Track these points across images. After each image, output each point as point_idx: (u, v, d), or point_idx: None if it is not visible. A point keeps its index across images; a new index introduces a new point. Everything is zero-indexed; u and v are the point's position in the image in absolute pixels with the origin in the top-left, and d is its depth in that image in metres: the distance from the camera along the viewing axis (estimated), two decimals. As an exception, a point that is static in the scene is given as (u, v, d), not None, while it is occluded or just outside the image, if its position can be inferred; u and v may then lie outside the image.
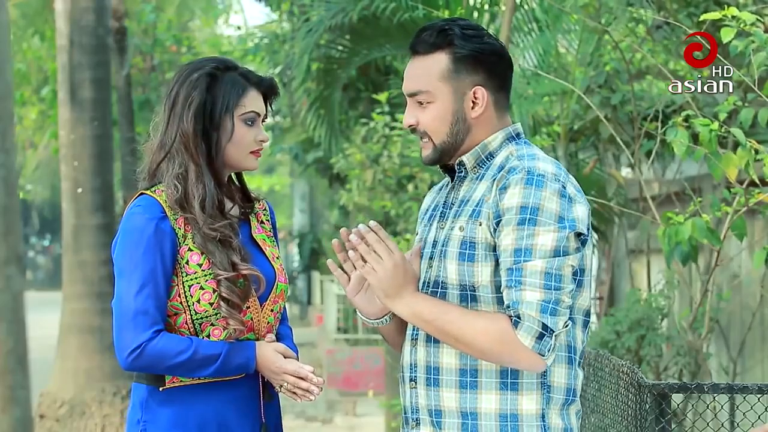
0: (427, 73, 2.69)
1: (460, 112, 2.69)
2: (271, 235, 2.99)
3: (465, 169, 2.73)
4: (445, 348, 2.64)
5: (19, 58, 16.57)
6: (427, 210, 2.86)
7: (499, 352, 2.55)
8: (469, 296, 2.63)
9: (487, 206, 2.62)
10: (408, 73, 2.73)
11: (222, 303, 2.77)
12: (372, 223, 2.64)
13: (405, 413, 2.76)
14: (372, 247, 2.61)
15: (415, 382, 2.69)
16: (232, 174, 2.97)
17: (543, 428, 2.63)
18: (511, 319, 2.54)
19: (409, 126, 2.73)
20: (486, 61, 2.70)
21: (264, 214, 3.00)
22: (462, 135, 2.70)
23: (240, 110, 2.83)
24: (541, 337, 2.52)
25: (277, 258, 2.95)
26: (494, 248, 2.61)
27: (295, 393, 2.85)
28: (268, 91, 2.91)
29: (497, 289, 2.62)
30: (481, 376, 2.63)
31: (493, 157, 2.72)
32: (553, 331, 2.52)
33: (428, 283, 2.70)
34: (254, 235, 2.93)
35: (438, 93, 2.68)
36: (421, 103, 2.70)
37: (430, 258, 2.72)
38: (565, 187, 2.60)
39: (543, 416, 2.63)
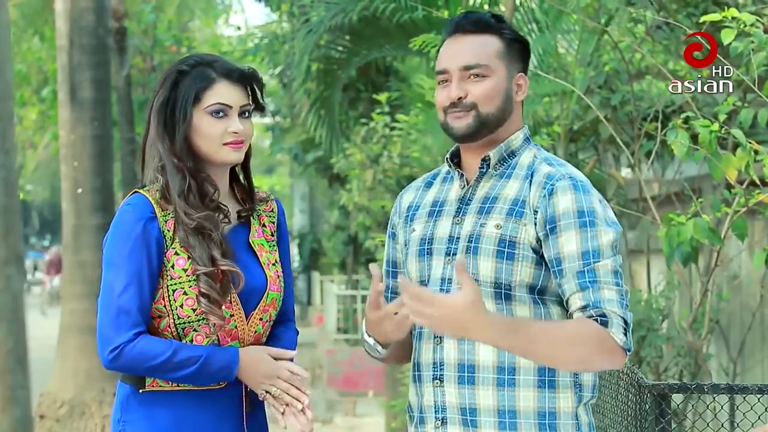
0: (485, 48, 2.73)
1: (509, 92, 2.75)
2: (272, 239, 2.95)
3: (487, 165, 2.75)
4: (480, 345, 2.63)
5: (20, 58, 16.58)
6: (417, 206, 2.84)
7: (599, 357, 2.55)
8: (503, 294, 2.64)
9: (529, 208, 2.65)
10: (460, 48, 2.74)
11: (201, 298, 2.75)
12: (401, 280, 2.46)
13: (421, 413, 2.73)
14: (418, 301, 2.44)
15: (442, 381, 2.68)
16: (239, 173, 2.95)
17: (577, 426, 2.67)
18: (597, 320, 2.55)
19: (457, 98, 2.71)
20: (527, 54, 2.80)
21: (268, 216, 2.97)
22: (507, 114, 2.75)
23: (204, 103, 2.82)
24: (625, 332, 2.57)
25: (274, 264, 2.91)
26: (535, 250, 2.64)
27: (281, 400, 2.80)
28: (242, 81, 2.86)
29: (531, 290, 2.64)
30: (519, 373, 2.64)
31: (515, 156, 2.76)
32: (630, 325, 2.58)
33: (450, 280, 2.69)
34: (251, 239, 2.90)
35: (495, 69, 2.73)
36: (475, 76, 2.72)
37: (449, 254, 2.71)
38: (597, 193, 2.68)
39: (576, 414, 2.68)
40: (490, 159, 2.74)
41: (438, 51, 2.81)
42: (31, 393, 8.15)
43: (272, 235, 2.96)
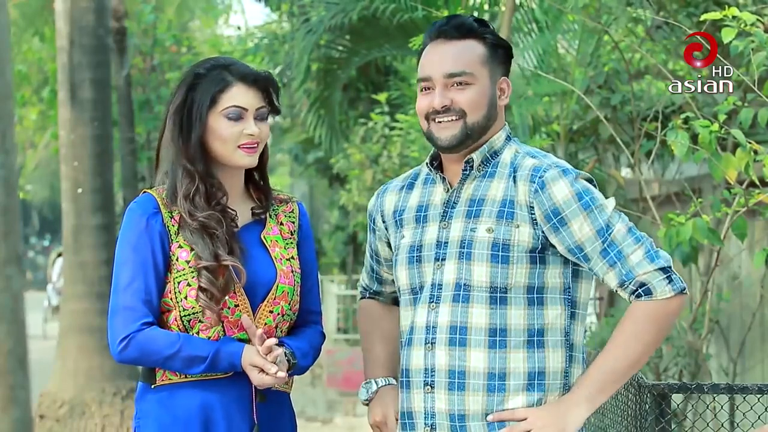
0: (468, 55, 2.71)
1: (493, 97, 2.74)
2: (289, 237, 2.96)
3: (470, 167, 2.74)
4: (472, 352, 2.64)
5: (20, 59, 16.56)
6: (401, 210, 2.83)
7: (662, 325, 2.61)
8: (498, 298, 2.64)
9: (521, 207, 2.64)
10: (443, 55, 2.71)
11: (200, 294, 2.78)
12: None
13: (411, 419, 2.73)
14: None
15: (432, 387, 2.68)
16: (255, 173, 2.97)
17: None
18: (636, 293, 2.60)
19: (442, 107, 2.70)
20: (509, 57, 2.79)
21: (287, 216, 2.99)
22: (492, 121, 2.74)
23: (220, 106, 2.85)
24: (669, 279, 2.60)
25: (288, 260, 2.93)
26: (532, 249, 2.63)
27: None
28: (258, 84, 2.88)
29: (529, 290, 2.64)
30: (510, 379, 2.64)
31: (498, 155, 2.74)
32: (670, 266, 2.61)
33: (440, 285, 2.69)
34: (264, 235, 2.92)
35: (479, 75, 2.71)
36: (459, 84, 2.70)
37: (438, 259, 2.71)
38: (586, 175, 2.71)
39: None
40: (473, 161, 2.73)
41: (419, 56, 2.78)
42: (31, 393, 8.14)
43: (291, 234, 2.98)
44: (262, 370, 2.77)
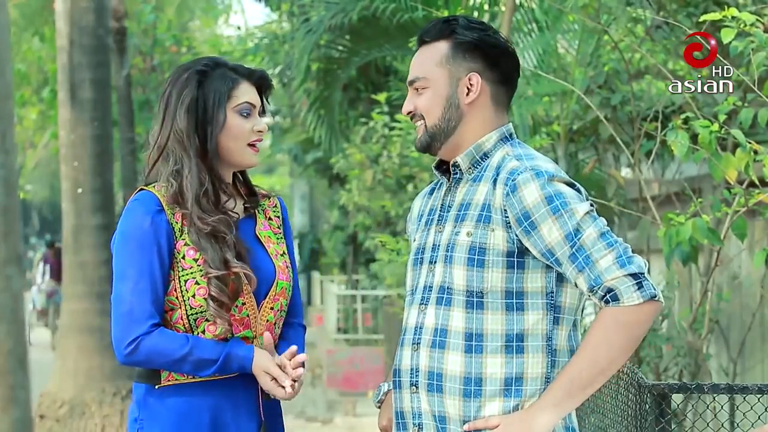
0: (427, 60, 2.74)
1: (453, 97, 2.72)
2: (279, 232, 2.98)
3: (460, 170, 2.74)
4: (449, 355, 2.64)
5: (19, 58, 16.58)
6: (422, 214, 2.86)
7: (634, 335, 2.57)
8: (475, 303, 2.63)
9: (496, 212, 2.63)
10: (411, 64, 2.79)
11: (210, 302, 2.76)
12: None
13: (402, 418, 2.74)
14: None
15: (417, 387, 2.69)
16: (237, 172, 2.97)
17: None
18: (604, 299, 2.55)
19: (408, 113, 2.76)
20: (486, 51, 2.74)
21: (273, 211, 3.00)
22: (454, 121, 2.72)
23: (233, 102, 2.85)
24: (639, 285, 2.54)
25: (282, 255, 2.94)
26: (508, 253, 2.62)
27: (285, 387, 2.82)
28: (260, 82, 2.91)
29: (507, 295, 2.63)
30: (486, 384, 2.63)
31: (488, 158, 2.73)
32: (643, 273, 2.55)
33: (430, 287, 2.70)
34: (258, 231, 2.93)
35: (433, 78, 2.72)
36: (417, 90, 2.74)
37: (431, 262, 2.72)
38: (565, 179, 2.65)
39: None
40: (459, 164, 2.74)
41: None
42: (31, 393, 8.15)
43: (279, 228, 2.99)
44: (274, 378, 2.77)
